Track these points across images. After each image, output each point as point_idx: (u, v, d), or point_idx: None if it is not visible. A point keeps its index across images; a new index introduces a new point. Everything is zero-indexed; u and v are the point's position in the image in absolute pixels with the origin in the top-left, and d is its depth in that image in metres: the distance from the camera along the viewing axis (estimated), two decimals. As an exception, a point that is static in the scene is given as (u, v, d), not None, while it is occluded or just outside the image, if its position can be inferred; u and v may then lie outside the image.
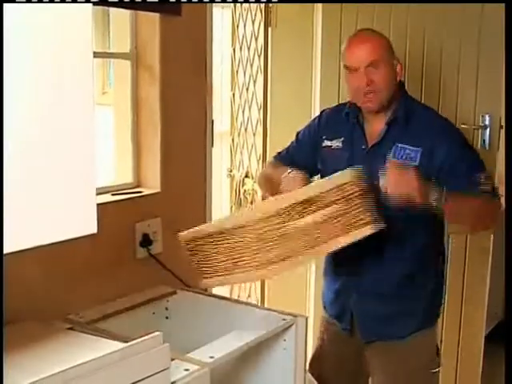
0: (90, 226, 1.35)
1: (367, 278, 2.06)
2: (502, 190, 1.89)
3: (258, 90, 3.36)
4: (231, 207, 3.70)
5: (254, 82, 3.42)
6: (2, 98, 1.14)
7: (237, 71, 3.53)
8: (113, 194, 2.14)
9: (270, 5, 3.16)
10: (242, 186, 3.60)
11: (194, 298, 2.14)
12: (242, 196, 3.60)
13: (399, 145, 1.96)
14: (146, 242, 2.17)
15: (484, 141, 2.76)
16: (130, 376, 1.42)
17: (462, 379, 2.89)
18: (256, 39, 3.35)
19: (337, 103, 2.34)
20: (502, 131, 2.68)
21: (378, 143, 2.01)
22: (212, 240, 1.86)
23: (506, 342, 1.61)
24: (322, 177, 2.07)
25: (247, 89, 3.48)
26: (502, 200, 1.86)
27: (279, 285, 3.18)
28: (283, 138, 2.34)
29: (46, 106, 1.24)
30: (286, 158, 2.20)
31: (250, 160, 3.53)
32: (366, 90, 1.96)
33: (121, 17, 2.23)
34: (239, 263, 1.83)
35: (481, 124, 2.76)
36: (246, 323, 1.91)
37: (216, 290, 2.32)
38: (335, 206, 1.73)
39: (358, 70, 1.95)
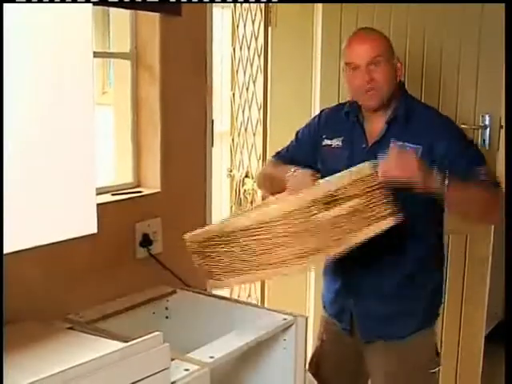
0: (90, 226, 1.35)
1: (367, 277, 2.06)
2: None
3: (258, 90, 3.36)
4: (231, 207, 3.69)
5: (254, 81, 3.42)
6: (2, 98, 1.14)
7: (237, 71, 3.53)
8: (113, 194, 2.14)
9: (270, 5, 3.16)
10: (242, 185, 3.60)
11: (194, 297, 2.14)
12: (242, 196, 3.60)
13: (399, 143, 1.96)
14: (146, 241, 2.17)
15: (484, 141, 2.76)
16: (130, 376, 1.42)
17: (462, 379, 2.89)
18: (256, 39, 3.35)
19: (337, 103, 2.34)
20: (502, 131, 2.68)
21: (379, 142, 2.01)
22: (226, 239, 1.80)
23: (506, 342, 1.61)
24: (321, 176, 2.06)
25: (247, 89, 3.48)
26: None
27: (279, 285, 3.18)
28: (283, 138, 2.34)
29: (45, 106, 1.24)
30: (286, 158, 2.20)
31: (250, 160, 3.53)
32: (368, 87, 1.96)
33: (121, 17, 2.23)
34: (262, 260, 1.76)
35: (481, 124, 2.76)
36: (246, 323, 1.91)
37: (216, 290, 2.31)
38: (358, 198, 1.73)
39: (359, 67, 1.96)
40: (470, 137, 2.31)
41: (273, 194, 2.12)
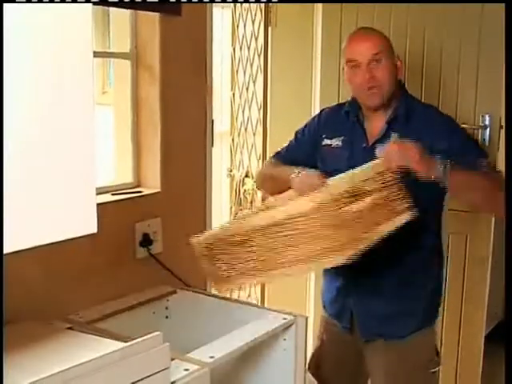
0: (89, 226, 1.35)
1: (367, 277, 2.06)
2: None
3: (258, 90, 3.37)
4: (231, 207, 3.70)
5: (254, 81, 3.42)
6: (2, 98, 1.14)
7: (237, 71, 3.53)
8: (113, 194, 2.14)
9: (270, 5, 3.16)
10: (242, 185, 3.60)
11: (194, 297, 2.14)
12: (241, 196, 3.60)
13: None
14: (146, 241, 2.17)
15: (484, 141, 2.76)
16: (130, 376, 1.42)
17: (462, 379, 2.89)
18: (256, 39, 3.36)
19: (337, 103, 2.34)
20: (502, 131, 2.68)
21: (379, 141, 2.01)
22: (243, 239, 1.80)
23: (506, 342, 1.60)
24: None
25: (247, 88, 3.48)
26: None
27: (279, 285, 3.17)
28: (283, 138, 2.34)
29: (45, 105, 1.24)
30: (286, 158, 2.20)
31: (250, 160, 3.53)
32: (369, 85, 1.96)
33: (121, 17, 2.23)
34: (284, 258, 1.77)
35: (481, 124, 2.76)
36: (246, 323, 1.91)
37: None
38: (378, 193, 1.75)
39: (361, 65, 1.96)
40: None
41: (273, 194, 2.12)
